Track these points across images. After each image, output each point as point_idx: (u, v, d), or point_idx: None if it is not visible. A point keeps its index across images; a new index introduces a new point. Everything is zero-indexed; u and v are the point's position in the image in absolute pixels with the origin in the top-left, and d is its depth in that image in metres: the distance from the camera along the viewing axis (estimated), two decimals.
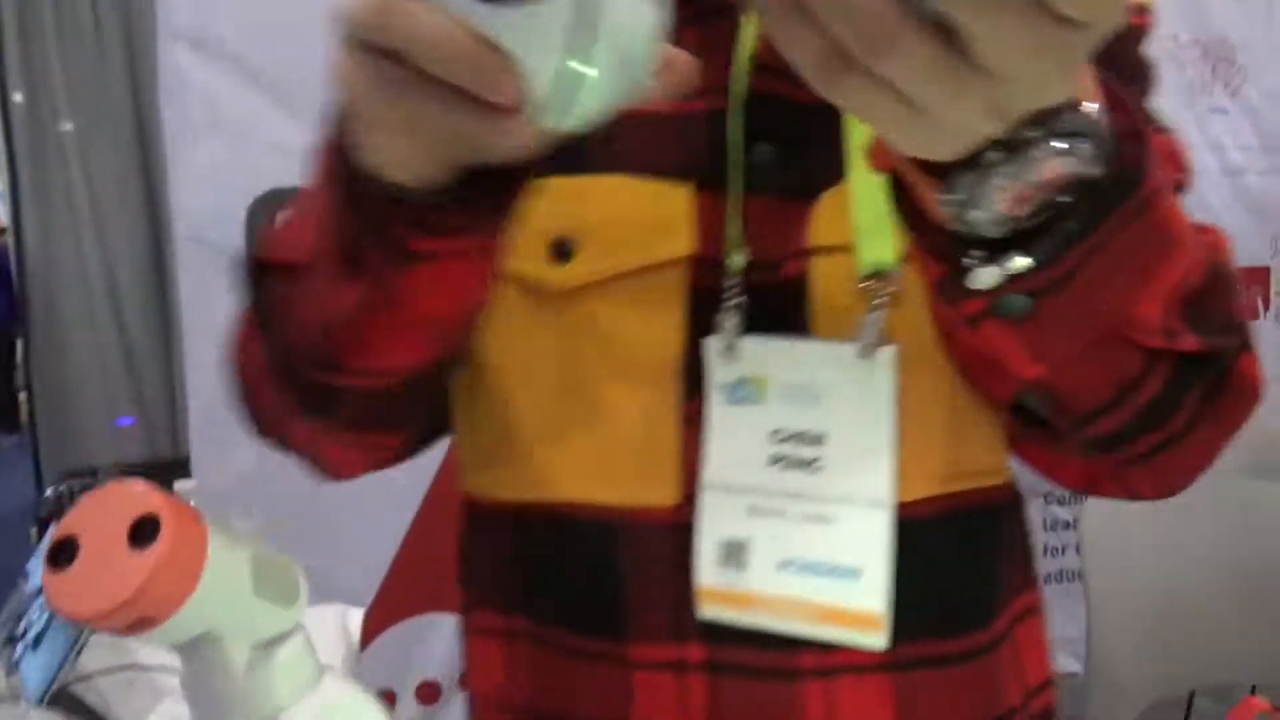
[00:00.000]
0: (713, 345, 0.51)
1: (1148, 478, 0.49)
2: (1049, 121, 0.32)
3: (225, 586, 0.35)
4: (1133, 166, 0.36)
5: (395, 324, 0.44)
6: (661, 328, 0.52)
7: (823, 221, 0.51)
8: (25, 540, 2.48)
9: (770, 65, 0.50)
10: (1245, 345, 0.46)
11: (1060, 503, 2.18)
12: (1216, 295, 0.43)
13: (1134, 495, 0.51)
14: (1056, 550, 2.16)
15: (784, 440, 0.50)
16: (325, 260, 0.44)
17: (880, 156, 0.37)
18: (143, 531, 0.33)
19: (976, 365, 0.46)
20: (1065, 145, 0.32)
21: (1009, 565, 0.56)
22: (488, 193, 0.40)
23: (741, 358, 0.50)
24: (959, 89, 0.28)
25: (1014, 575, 0.57)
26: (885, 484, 0.49)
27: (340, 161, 0.40)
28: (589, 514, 0.52)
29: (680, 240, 0.51)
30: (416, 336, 0.46)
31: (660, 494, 0.52)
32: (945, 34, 0.27)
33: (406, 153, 0.38)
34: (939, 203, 0.34)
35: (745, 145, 0.51)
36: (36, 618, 0.97)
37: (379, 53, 0.33)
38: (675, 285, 0.51)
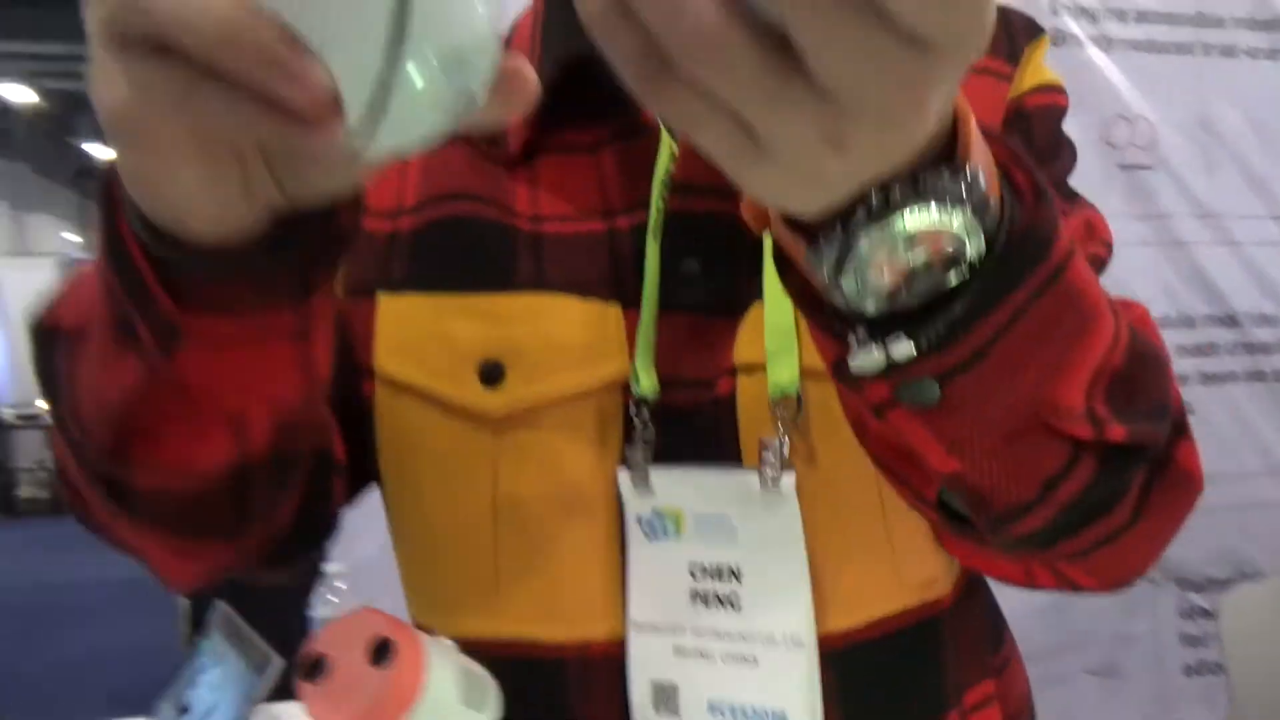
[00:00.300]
0: (623, 478, 0.49)
1: (1088, 573, 0.46)
2: (918, 182, 0.29)
3: (440, 696, 0.40)
4: (1037, 231, 0.32)
5: (183, 414, 0.38)
6: (596, 454, 0.49)
7: (746, 338, 0.49)
8: (171, 611, 2.62)
9: (691, 184, 0.49)
10: (1180, 432, 0.42)
11: (1198, 589, 2.09)
12: (1144, 376, 0.39)
13: (1074, 588, 0.48)
14: (1195, 640, 2.06)
15: (703, 576, 0.48)
16: (99, 330, 0.37)
17: (754, 210, 0.34)
18: (380, 651, 0.38)
19: (892, 460, 0.42)
20: (936, 210, 0.29)
21: (959, 665, 0.54)
22: (285, 257, 0.34)
23: (654, 490, 0.48)
24: (791, 107, 0.25)
25: (967, 672, 0.55)
26: (803, 622, 0.47)
27: (104, 202, 0.34)
28: (532, 652, 0.50)
29: (614, 362, 0.49)
30: (213, 431, 0.39)
31: (602, 628, 0.50)
32: (778, 43, 0.23)
33: (189, 186, 0.30)
34: (808, 267, 0.31)
35: (671, 262, 0.49)
36: (203, 696, 1.04)
37: (143, 49, 0.26)
38: (609, 408, 0.49)
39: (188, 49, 0.25)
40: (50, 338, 0.43)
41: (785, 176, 0.27)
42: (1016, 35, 0.54)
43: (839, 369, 0.34)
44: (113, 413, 0.38)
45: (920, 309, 0.32)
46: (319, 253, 0.35)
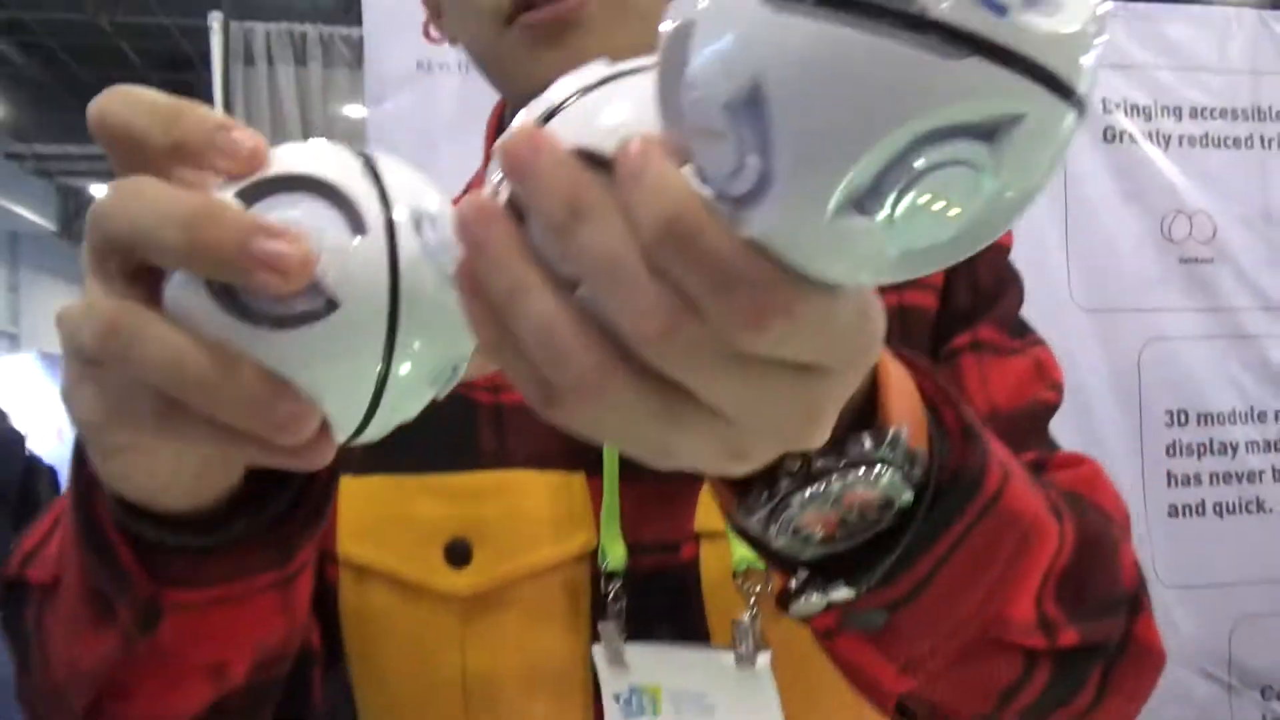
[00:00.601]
0: (599, 655, 0.47)
1: None
2: (842, 449, 0.29)
3: None
4: (968, 470, 0.32)
5: (161, 673, 0.36)
6: (566, 628, 0.48)
7: (706, 504, 0.48)
8: None
9: None
10: (1137, 610, 0.41)
11: None
12: (1094, 567, 0.39)
13: None
14: None
15: None
16: (72, 597, 0.36)
17: None
18: None
19: (848, 674, 0.40)
20: (863, 474, 0.29)
21: None
22: (264, 521, 0.33)
23: (630, 667, 0.47)
24: (685, 433, 0.24)
25: None
26: None
27: (77, 481, 0.32)
28: None
29: (581, 534, 0.48)
30: (191, 682, 0.37)
31: None
32: (666, 380, 0.23)
33: (161, 476, 0.29)
34: (740, 519, 0.31)
35: None
36: None
37: (117, 374, 0.25)
38: (578, 581, 0.48)
39: (165, 390, 0.25)
40: (19, 590, 0.40)
41: (696, 467, 0.26)
42: None
43: (781, 601, 0.33)
44: (86, 678, 0.37)
45: (858, 548, 0.32)
46: (299, 511, 0.34)
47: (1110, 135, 1.93)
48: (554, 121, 0.24)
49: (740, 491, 0.30)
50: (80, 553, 0.34)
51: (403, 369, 0.27)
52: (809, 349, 0.22)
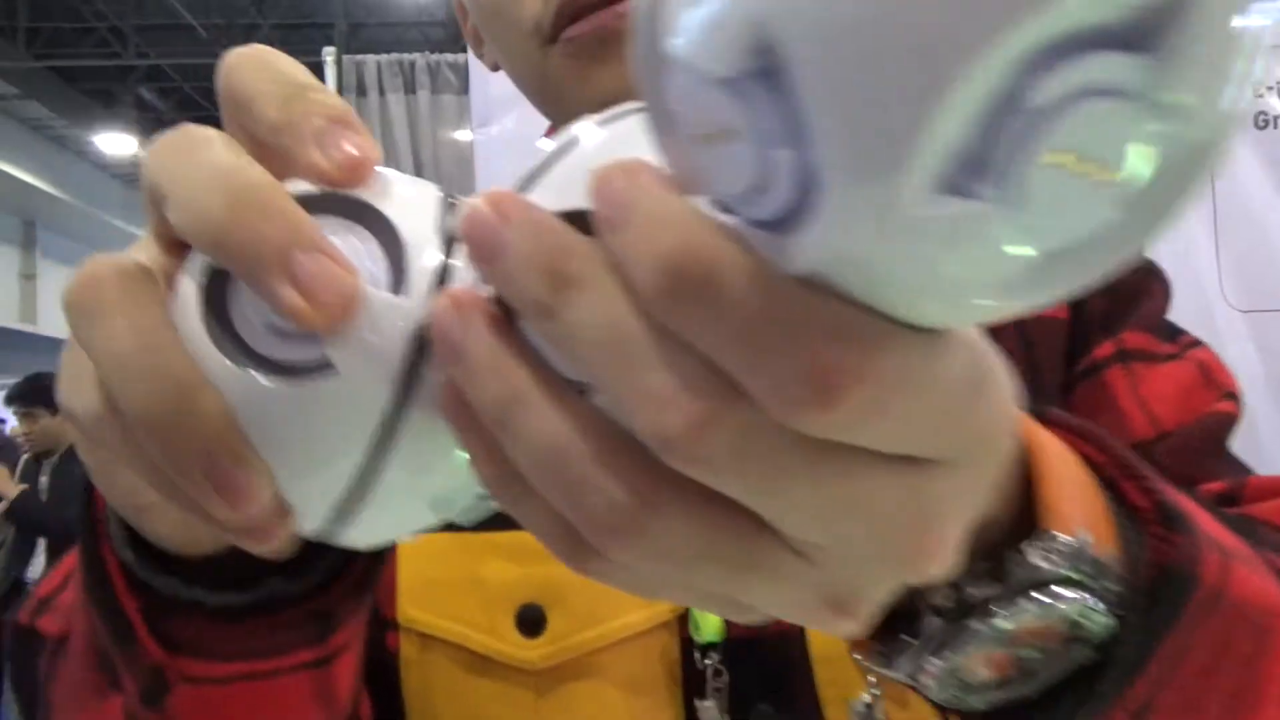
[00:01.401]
0: None
1: None
2: (1002, 572, 0.23)
3: None
4: (1177, 567, 0.25)
5: None
6: (655, 705, 0.43)
7: None
8: None
9: None
10: None
11: None
12: None
13: None
14: None
15: None
16: (78, 657, 0.32)
17: None
18: None
19: None
20: (1037, 601, 0.23)
21: None
22: (300, 586, 0.29)
23: None
24: (762, 572, 0.18)
25: None
26: None
27: (85, 528, 0.28)
28: None
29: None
30: None
31: None
32: (727, 503, 0.17)
33: (150, 496, 0.25)
34: (880, 667, 0.25)
35: None
36: None
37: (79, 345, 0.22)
38: (668, 650, 0.43)
39: (104, 383, 0.20)
40: (29, 641, 0.36)
41: (794, 621, 0.20)
42: None
43: None
44: None
45: (1047, 692, 0.25)
46: (340, 581, 0.29)
47: (1262, 121, 1.79)
48: (537, 184, 0.19)
49: (875, 634, 0.24)
50: (86, 607, 0.29)
51: (392, 475, 0.20)
52: (904, 427, 0.16)
